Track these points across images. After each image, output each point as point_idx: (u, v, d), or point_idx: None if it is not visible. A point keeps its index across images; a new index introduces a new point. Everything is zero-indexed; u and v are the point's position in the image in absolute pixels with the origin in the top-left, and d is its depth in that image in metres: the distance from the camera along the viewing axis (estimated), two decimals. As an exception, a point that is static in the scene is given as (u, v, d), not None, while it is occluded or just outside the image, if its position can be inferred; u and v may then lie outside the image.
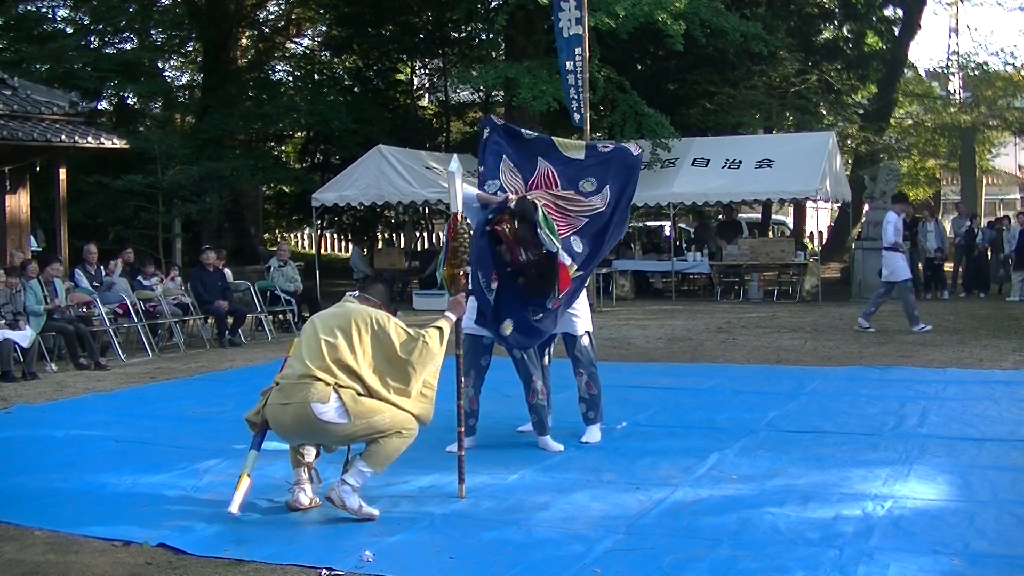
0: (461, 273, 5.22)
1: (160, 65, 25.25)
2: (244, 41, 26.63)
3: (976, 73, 28.12)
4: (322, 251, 26.88)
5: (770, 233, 24.37)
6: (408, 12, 24.95)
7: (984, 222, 21.25)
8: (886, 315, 12.65)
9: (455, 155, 6.34)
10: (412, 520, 4.69)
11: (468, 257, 5.28)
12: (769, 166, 17.19)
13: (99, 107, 22.94)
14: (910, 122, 28.45)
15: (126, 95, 24.11)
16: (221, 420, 7.29)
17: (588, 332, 6.38)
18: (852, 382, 8.38)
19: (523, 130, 6.33)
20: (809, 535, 4.35)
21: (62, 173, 14.03)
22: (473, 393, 6.13)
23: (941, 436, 6.25)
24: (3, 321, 9.83)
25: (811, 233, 26.64)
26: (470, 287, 5.52)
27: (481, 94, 26.73)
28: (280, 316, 14.28)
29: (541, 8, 16.16)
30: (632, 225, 22.05)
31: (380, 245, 25.30)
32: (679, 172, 17.65)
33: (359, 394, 4.70)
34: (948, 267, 18.44)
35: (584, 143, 6.45)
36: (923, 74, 31.32)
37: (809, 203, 20.91)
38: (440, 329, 4.92)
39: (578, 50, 10.51)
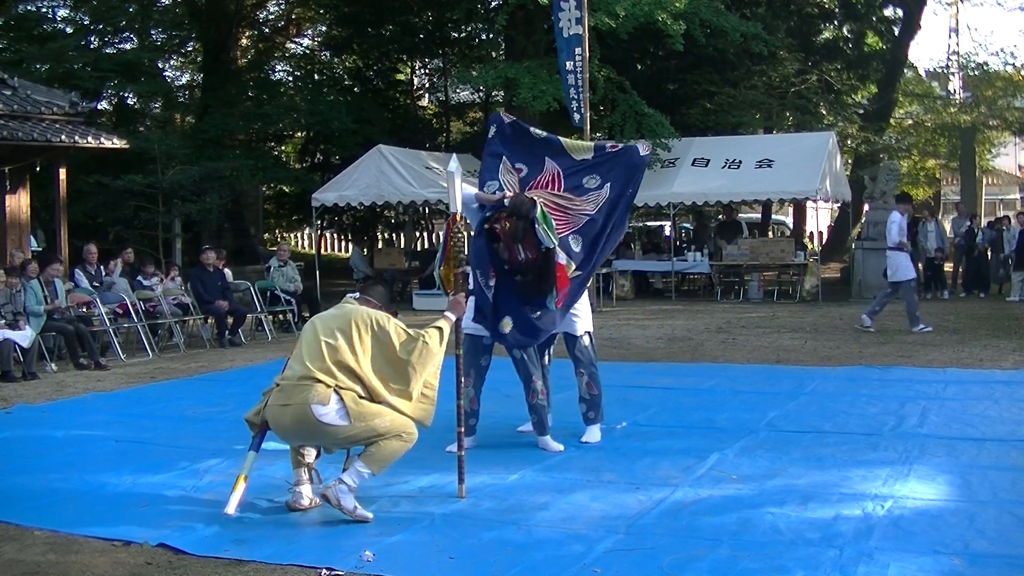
0: (460, 272, 5.22)
1: (160, 65, 25.25)
2: (244, 41, 26.63)
3: (976, 73, 28.12)
4: (322, 251, 26.89)
5: (770, 233, 24.36)
6: (408, 12, 24.95)
7: (984, 222, 21.26)
8: (886, 315, 12.64)
9: (454, 155, 6.33)
10: (412, 520, 4.69)
11: (465, 257, 5.28)
12: (769, 166, 17.19)
13: (99, 107, 22.95)
14: (910, 122, 28.46)
15: (126, 95, 24.12)
16: (221, 420, 7.29)
17: (589, 332, 6.39)
18: (852, 382, 8.38)
19: (532, 129, 6.27)
20: (809, 535, 4.35)
21: (62, 173, 14.03)
22: (473, 393, 6.12)
23: (941, 436, 6.25)
24: (3, 321, 9.83)
25: (811, 233, 26.64)
26: (470, 286, 5.52)
27: (481, 94, 26.74)
28: (280, 316, 14.28)
29: (541, 8, 16.16)
30: (632, 225, 22.04)
31: (380, 245, 25.30)
32: (679, 172, 17.65)
33: (360, 396, 4.70)
34: (948, 267, 18.45)
35: (593, 144, 6.40)
36: (923, 74, 31.34)
37: (809, 203, 20.91)
38: (440, 329, 4.93)
39: (578, 50, 10.51)
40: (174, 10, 24.83)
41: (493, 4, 22.19)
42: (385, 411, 4.75)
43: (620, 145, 6.40)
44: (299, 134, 26.82)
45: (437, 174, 16.75)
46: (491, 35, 22.99)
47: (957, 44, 37.83)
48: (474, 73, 20.11)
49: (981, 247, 17.83)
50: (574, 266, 5.86)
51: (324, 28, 28.97)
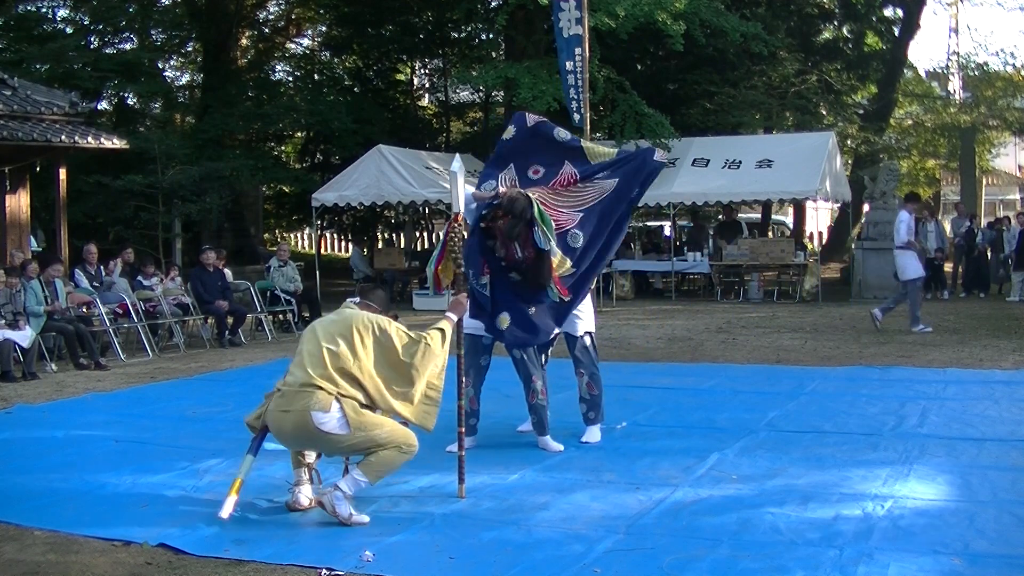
0: (461, 272, 5.22)
1: (160, 65, 25.27)
2: (244, 41, 26.63)
3: (976, 73, 28.12)
4: (322, 251, 26.90)
5: (770, 233, 24.35)
6: (408, 12, 24.96)
7: (984, 222, 21.26)
8: (887, 315, 12.63)
9: (457, 155, 6.30)
10: (412, 520, 4.69)
11: (460, 256, 5.28)
12: (769, 166, 17.18)
13: (99, 107, 22.96)
14: (910, 122, 28.45)
15: (126, 95, 24.13)
16: (221, 420, 7.29)
17: (590, 332, 6.38)
18: (852, 382, 8.38)
19: (557, 130, 6.16)
20: (809, 535, 4.36)
21: (62, 173, 14.03)
22: (473, 393, 6.13)
23: (941, 436, 6.25)
24: (3, 321, 9.83)
25: (811, 233, 26.65)
26: (470, 286, 5.52)
27: (481, 94, 26.74)
28: (280, 316, 14.27)
29: (541, 8, 16.16)
30: (632, 225, 22.04)
31: (380, 245, 25.29)
32: (679, 172, 17.63)
33: (362, 405, 4.70)
34: (948, 267, 18.45)
35: (615, 149, 6.36)
36: (923, 74, 31.35)
37: (809, 203, 20.93)
38: (442, 330, 4.93)
39: (578, 50, 10.52)
40: (174, 10, 24.84)
41: (493, 4, 22.20)
42: (386, 422, 4.75)
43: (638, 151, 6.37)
44: (299, 134, 26.83)
45: (437, 174, 16.75)
46: (491, 35, 23.00)
47: (957, 44, 38.06)
48: (474, 73, 20.11)
49: (981, 247, 17.84)
50: (568, 263, 5.84)
51: (324, 28, 28.98)
